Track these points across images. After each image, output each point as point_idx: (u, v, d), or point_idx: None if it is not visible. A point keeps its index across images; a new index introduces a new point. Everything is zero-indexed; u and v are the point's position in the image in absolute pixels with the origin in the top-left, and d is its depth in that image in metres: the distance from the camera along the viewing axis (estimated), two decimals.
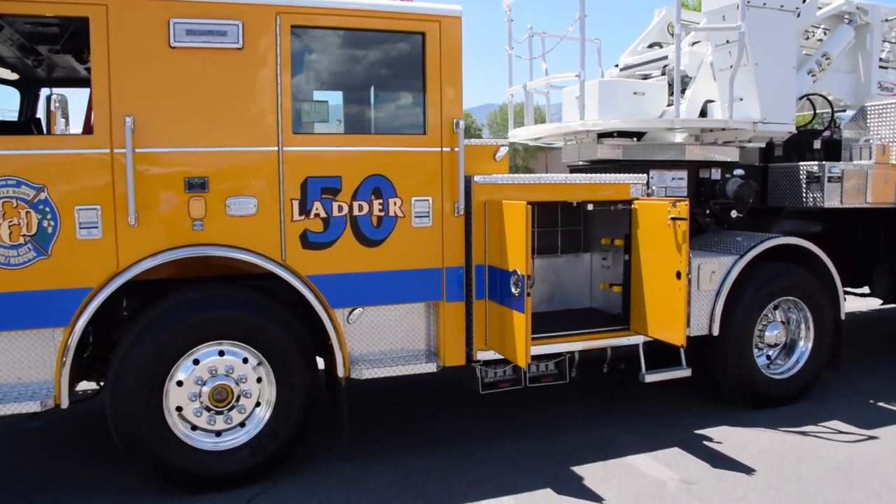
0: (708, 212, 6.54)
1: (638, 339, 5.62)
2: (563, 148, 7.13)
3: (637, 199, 5.53)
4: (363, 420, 5.85)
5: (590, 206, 5.52)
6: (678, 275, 5.06)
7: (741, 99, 6.15)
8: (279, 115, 4.61)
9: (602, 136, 6.53)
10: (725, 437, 5.47)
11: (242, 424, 4.74)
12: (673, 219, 5.08)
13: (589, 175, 5.50)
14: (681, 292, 5.05)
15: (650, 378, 5.65)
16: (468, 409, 6.06)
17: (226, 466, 4.66)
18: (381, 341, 5.05)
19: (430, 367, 5.03)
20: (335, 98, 5.14)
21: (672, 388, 6.08)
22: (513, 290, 4.72)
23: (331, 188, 4.75)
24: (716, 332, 5.86)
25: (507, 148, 5.40)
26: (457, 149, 4.95)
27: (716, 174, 6.46)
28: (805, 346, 6.27)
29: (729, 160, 6.54)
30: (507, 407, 6.07)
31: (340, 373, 4.85)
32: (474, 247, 5.10)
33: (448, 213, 5.00)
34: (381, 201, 4.85)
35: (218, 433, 4.69)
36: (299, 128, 4.71)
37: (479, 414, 5.96)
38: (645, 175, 5.63)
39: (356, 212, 4.81)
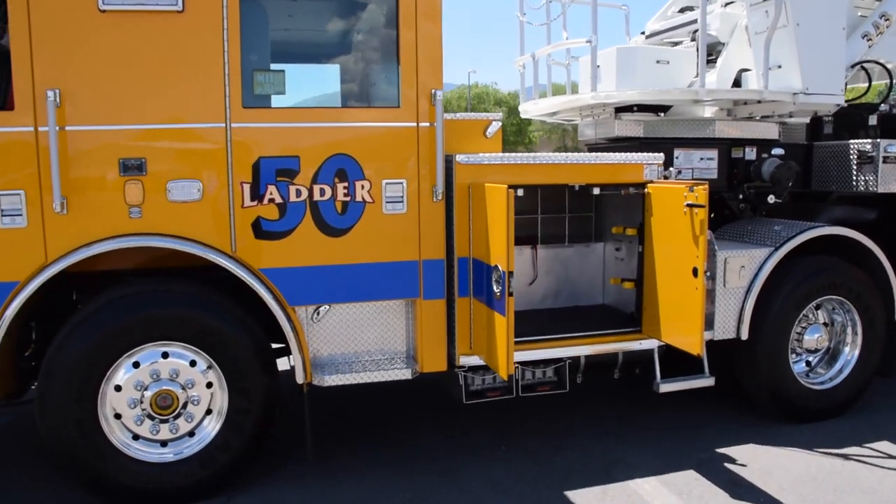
0: (741, 196, 5.74)
1: (652, 344, 4.90)
2: (580, 125, 6.39)
3: (651, 181, 4.79)
4: (338, 426, 5.30)
5: (595, 191, 4.81)
6: (695, 272, 4.32)
7: (779, 66, 5.31)
8: (227, 88, 4.04)
9: (620, 110, 5.77)
10: (751, 459, 4.72)
11: (191, 434, 4.25)
12: (689, 206, 4.33)
13: (594, 154, 4.77)
14: (697, 292, 4.31)
15: (665, 388, 4.93)
16: (458, 415, 5.43)
17: (171, 480, 4.18)
18: (349, 343, 4.48)
19: (405, 374, 4.43)
20: (293, 67, 4.53)
21: (696, 396, 5.32)
22: (494, 288, 4.08)
23: (287, 170, 4.17)
24: (744, 335, 5.08)
25: (500, 123, 4.72)
26: (435, 124, 4.31)
27: (751, 154, 5.64)
28: (851, 352, 5.43)
29: (766, 138, 5.70)
30: (502, 415, 5.44)
31: (300, 378, 4.30)
32: (456, 237, 4.47)
33: (425, 197, 4.38)
34: (346, 185, 4.26)
35: (163, 443, 4.21)
36: (251, 101, 4.13)
37: (470, 422, 5.34)
38: (661, 154, 4.87)
39: (317, 197, 4.22)
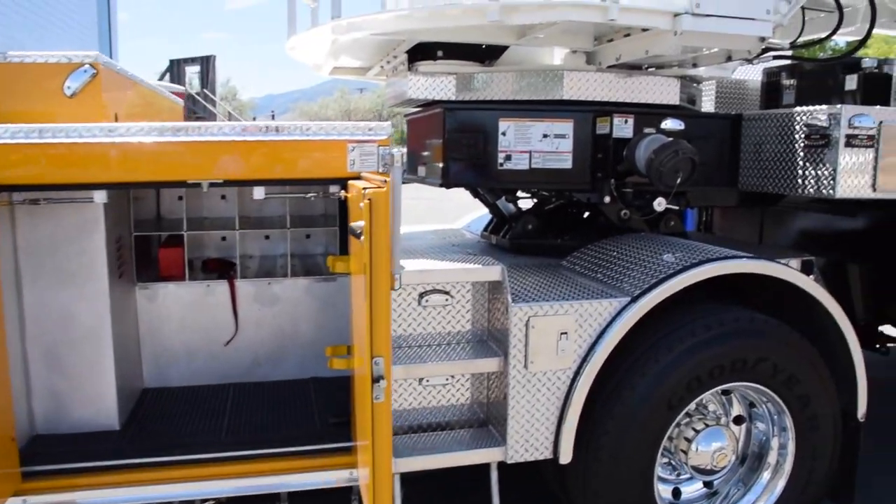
0: (608, 199, 3.43)
1: (364, 476, 2.69)
2: (386, 82, 4.16)
3: (361, 175, 2.56)
4: None
5: (257, 194, 2.60)
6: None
7: None
8: None
9: (417, 56, 3.53)
10: None
11: None
12: (350, 232, 2.12)
13: (217, 126, 2.50)
14: (366, 404, 2.10)
15: None
16: None
17: None
18: None
19: None
20: None
21: None
22: None
23: None
24: (566, 457, 2.82)
25: (93, 71, 2.58)
26: None
27: (623, 128, 3.33)
28: (773, 477, 3.08)
29: (655, 102, 3.39)
30: None
31: None
32: None
33: None
34: None
35: None
36: None
37: None
38: (385, 124, 2.62)
39: None
